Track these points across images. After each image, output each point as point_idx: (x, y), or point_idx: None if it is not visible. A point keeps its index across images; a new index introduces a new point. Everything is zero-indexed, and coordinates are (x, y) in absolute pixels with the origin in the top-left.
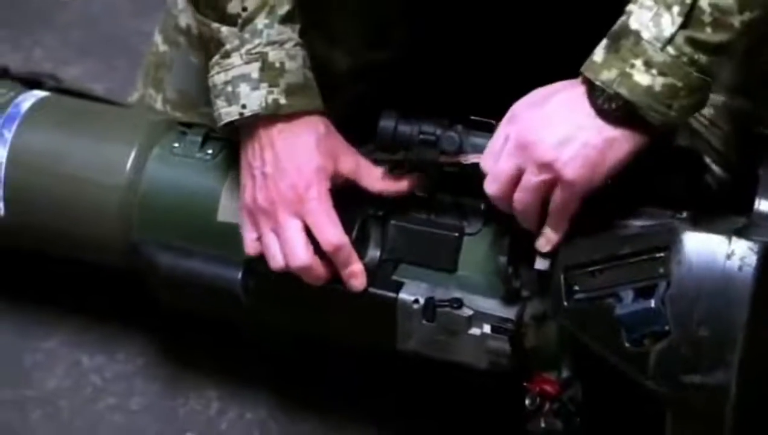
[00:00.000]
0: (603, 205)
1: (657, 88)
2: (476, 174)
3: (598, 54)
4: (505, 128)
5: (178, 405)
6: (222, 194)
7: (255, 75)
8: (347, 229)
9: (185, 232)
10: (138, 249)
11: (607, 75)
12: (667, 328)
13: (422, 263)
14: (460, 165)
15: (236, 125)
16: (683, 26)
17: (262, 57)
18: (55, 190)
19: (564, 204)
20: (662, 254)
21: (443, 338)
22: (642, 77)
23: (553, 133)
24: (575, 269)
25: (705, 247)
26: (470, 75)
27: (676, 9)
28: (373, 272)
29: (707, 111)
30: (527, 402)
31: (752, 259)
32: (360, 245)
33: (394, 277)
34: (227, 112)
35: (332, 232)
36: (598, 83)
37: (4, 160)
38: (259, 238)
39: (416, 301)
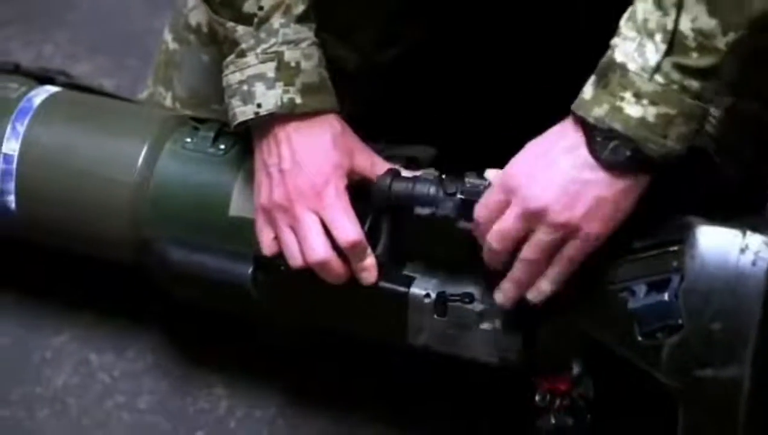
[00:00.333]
0: None
1: (650, 118)
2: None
3: (587, 91)
4: (504, 187)
5: (187, 404)
6: (234, 189)
7: (271, 74)
8: (359, 223)
9: (197, 228)
10: (149, 244)
11: (599, 111)
12: (680, 321)
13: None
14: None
15: (251, 124)
16: (668, 53)
17: (278, 56)
18: (66, 185)
19: (574, 258)
20: (676, 248)
21: (454, 333)
22: (633, 109)
23: (561, 197)
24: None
25: (719, 242)
26: (478, 74)
27: (658, 37)
28: (384, 267)
29: (716, 112)
30: (537, 398)
31: (766, 254)
32: (371, 239)
33: (406, 272)
34: (242, 112)
35: (350, 229)
36: (590, 120)
37: (16, 154)
38: (276, 238)
39: (427, 295)
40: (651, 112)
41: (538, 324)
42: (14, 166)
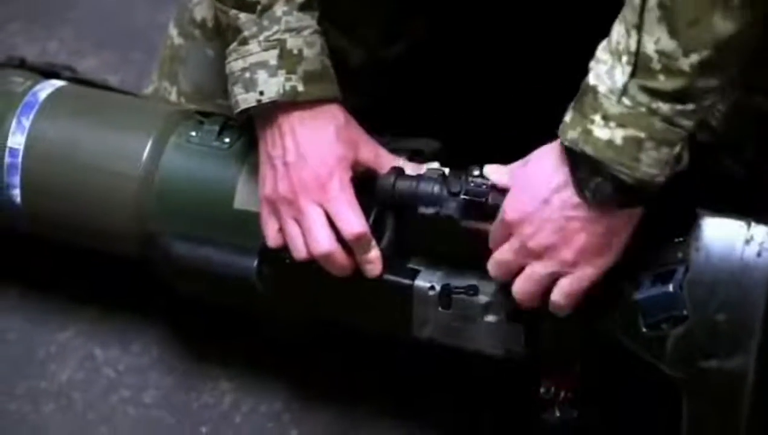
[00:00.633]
0: None
1: (617, 141)
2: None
3: (568, 114)
4: (503, 223)
5: (192, 398)
6: (239, 182)
7: (273, 62)
8: (364, 216)
9: (201, 221)
10: (154, 238)
11: (572, 134)
12: (685, 313)
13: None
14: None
15: (253, 113)
16: (633, 75)
17: (281, 44)
18: (71, 179)
19: (571, 293)
20: (681, 239)
21: (459, 325)
22: (601, 132)
23: (553, 236)
24: None
25: (724, 233)
26: (482, 68)
27: (624, 58)
28: (389, 259)
29: (723, 107)
30: (542, 391)
31: None
32: (376, 232)
33: (410, 265)
34: (244, 99)
35: (354, 221)
36: (566, 143)
37: (21, 148)
38: (281, 229)
39: (432, 287)
40: (618, 135)
41: (543, 316)
42: (19, 160)
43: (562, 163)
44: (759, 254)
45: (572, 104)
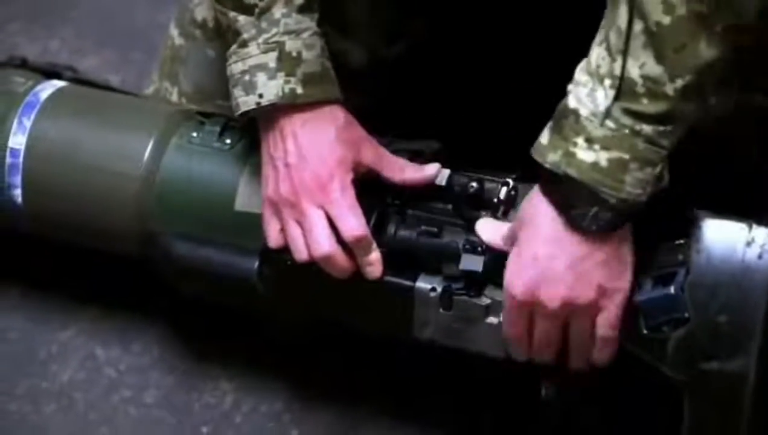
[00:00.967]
0: None
1: (602, 163)
2: None
3: (545, 136)
4: (510, 297)
5: (192, 399)
6: (240, 183)
7: (272, 64)
8: (365, 217)
9: (202, 222)
10: (155, 238)
11: (553, 157)
12: (686, 315)
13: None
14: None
15: (254, 115)
16: (617, 98)
17: (279, 46)
18: (72, 179)
19: (614, 322)
20: (681, 241)
21: (460, 327)
22: (585, 154)
23: (569, 292)
24: None
25: (725, 235)
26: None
27: (608, 82)
28: (390, 260)
29: (724, 108)
30: (543, 392)
31: None
32: (377, 233)
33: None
34: (244, 102)
35: (355, 223)
36: (546, 166)
37: (22, 148)
38: (282, 230)
39: (433, 289)
40: (603, 157)
41: None
42: (21, 160)
43: (553, 217)
44: (760, 256)
45: (549, 125)
